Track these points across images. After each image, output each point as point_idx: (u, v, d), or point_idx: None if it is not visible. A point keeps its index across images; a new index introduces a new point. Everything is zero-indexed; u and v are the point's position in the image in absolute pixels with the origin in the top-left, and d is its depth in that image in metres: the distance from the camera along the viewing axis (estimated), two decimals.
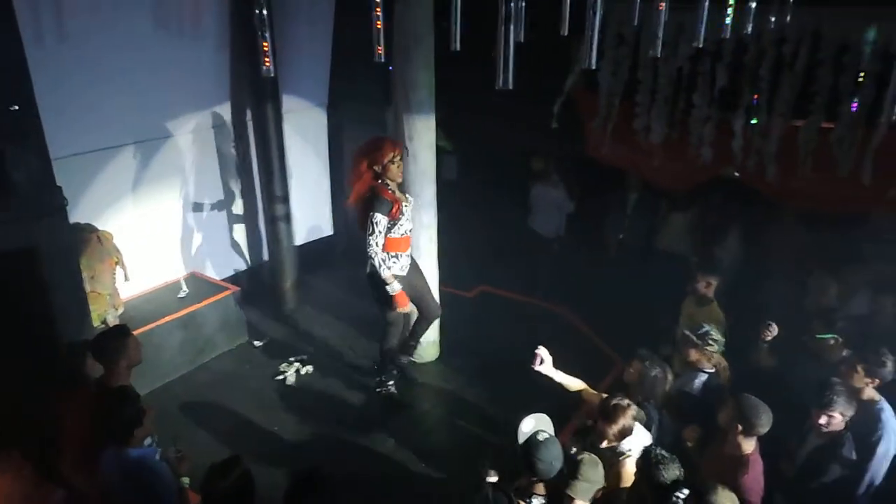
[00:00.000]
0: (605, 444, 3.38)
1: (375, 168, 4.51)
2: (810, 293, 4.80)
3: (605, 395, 3.63)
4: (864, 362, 3.69)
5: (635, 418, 3.40)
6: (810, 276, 4.90)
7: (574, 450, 3.25)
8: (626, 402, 3.40)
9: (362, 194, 4.57)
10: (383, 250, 4.59)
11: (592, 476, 3.02)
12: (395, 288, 4.61)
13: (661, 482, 2.88)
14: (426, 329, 5.22)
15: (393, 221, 4.57)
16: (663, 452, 2.99)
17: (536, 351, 3.94)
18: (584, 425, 3.76)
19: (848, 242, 5.33)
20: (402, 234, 4.68)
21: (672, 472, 2.91)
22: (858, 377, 3.67)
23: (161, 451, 3.32)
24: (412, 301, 4.81)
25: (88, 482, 3.30)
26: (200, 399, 5.27)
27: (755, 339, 4.46)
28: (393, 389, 5.25)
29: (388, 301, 4.72)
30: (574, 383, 4.00)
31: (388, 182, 4.56)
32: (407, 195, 4.81)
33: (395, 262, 4.70)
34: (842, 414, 3.43)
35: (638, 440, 3.40)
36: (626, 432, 3.35)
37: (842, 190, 4.95)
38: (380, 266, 4.55)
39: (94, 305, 4.83)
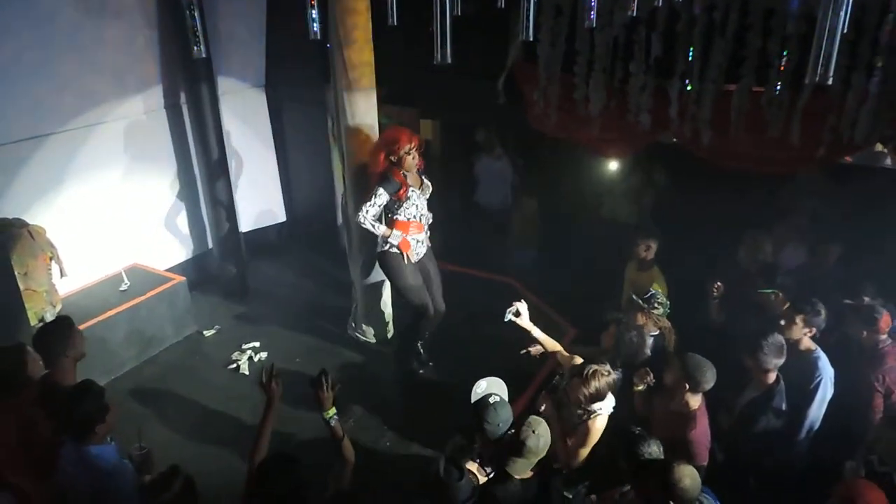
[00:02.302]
0: (575, 404, 3.43)
1: (392, 158, 4.70)
2: (745, 250, 5.00)
3: (582, 360, 3.66)
4: (802, 313, 3.88)
5: (610, 385, 3.42)
6: (744, 233, 5.09)
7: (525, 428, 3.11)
8: (606, 368, 3.44)
9: (376, 179, 4.74)
10: (390, 227, 4.83)
11: (532, 454, 3.02)
12: (396, 237, 4.79)
13: (644, 459, 2.95)
14: (432, 327, 5.25)
15: (399, 203, 4.77)
16: (641, 431, 3.08)
17: (515, 302, 3.90)
18: (554, 385, 3.77)
19: (778, 200, 5.56)
20: (409, 218, 4.84)
21: (651, 447, 2.99)
22: (797, 328, 3.86)
23: (122, 449, 3.24)
24: (421, 292, 4.97)
25: (41, 484, 3.20)
26: (151, 394, 5.15)
27: (703, 297, 4.67)
28: (417, 367, 5.35)
29: (396, 279, 4.92)
30: (549, 342, 3.95)
31: (404, 172, 4.76)
32: (425, 181, 4.95)
33: (396, 238, 4.85)
34: (769, 368, 3.63)
35: (608, 402, 3.48)
36: (597, 397, 3.39)
37: (774, 151, 5.13)
38: (372, 228, 4.75)
39: (29, 304, 4.65)
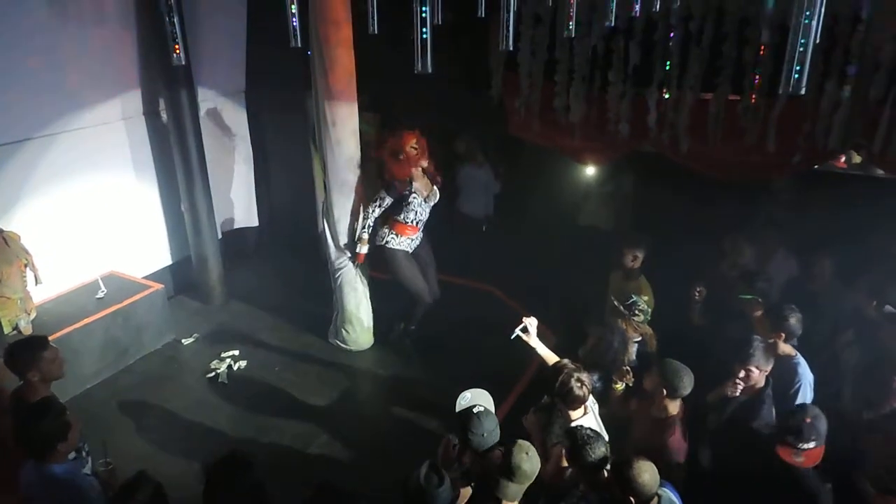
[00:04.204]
0: (567, 416, 3.39)
1: (400, 157, 5.00)
2: (727, 256, 5.05)
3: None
4: (770, 317, 3.92)
5: (581, 381, 3.36)
6: (726, 239, 5.14)
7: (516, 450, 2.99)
8: (582, 375, 3.40)
9: (382, 185, 5.15)
10: (391, 229, 5.21)
11: (526, 479, 2.92)
12: (361, 249, 5.26)
13: (590, 461, 2.95)
14: (421, 311, 5.49)
15: (401, 206, 5.12)
16: (588, 433, 3.04)
17: (524, 318, 3.85)
18: (543, 404, 3.70)
19: (758, 207, 5.64)
20: (407, 222, 5.20)
21: (598, 448, 2.97)
22: (766, 332, 3.89)
23: (89, 465, 3.17)
24: (415, 282, 5.30)
25: (7, 500, 3.13)
26: (127, 403, 5.07)
27: (686, 302, 4.70)
28: (406, 341, 5.67)
29: (395, 271, 5.27)
30: (553, 360, 3.82)
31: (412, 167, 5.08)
32: (435, 189, 5.27)
33: (393, 238, 5.23)
34: (758, 368, 3.59)
35: (588, 425, 3.43)
36: (564, 392, 3.34)
37: (750, 158, 5.22)
38: (362, 229, 5.20)
39: (3, 311, 4.58)
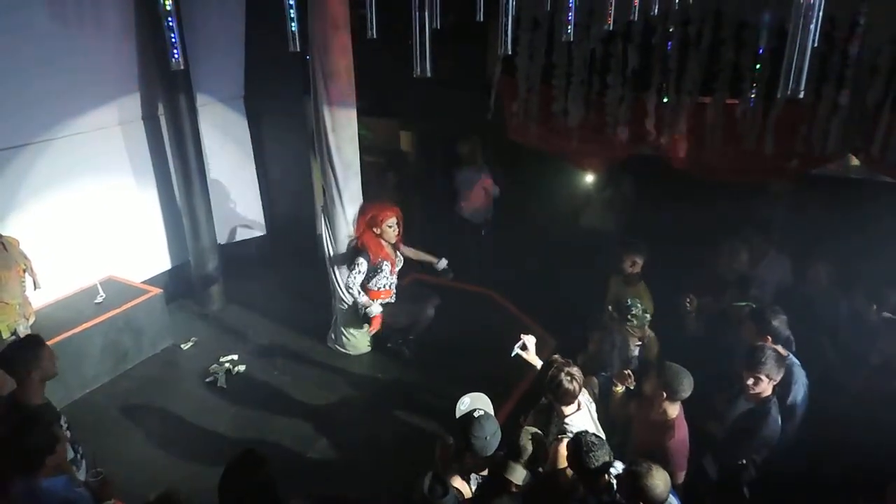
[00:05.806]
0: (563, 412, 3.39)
1: (375, 230, 5.21)
2: (722, 259, 5.03)
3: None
4: (754, 321, 3.90)
5: (571, 374, 3.34)
6: (723, 243, 5.13)
7: (523, 434, 3.11)
8: (573, 370, 3.38)
9: (354, 249, 5.28)
10: (364, 294, 5.28)
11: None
12: (373, 311, 5.24)
13: (592, 468, 2.95)
14: (420, 329, 5.56)
15: (373, 272, 5.23)
16: (593, 439, 3.04)
17: (522, 336, 3.89)
18: (541, 406, 3.70)
19: (756, 211, 5.64)
20: (379, 288, 5.33)
21: (602, 456, 2.97)
22: (752, 336, 3.87)
23: (83, 468, 3.13)
24: (409, 316, 5.47)
25: None
26: (126, 408, 5.06)
27: (682, 310, 4.67)
28: (405, 350, 5.68)
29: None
30: None
31: (384, 241, 5.28)
32: (398, 254, 5.44)
33: (373, 312, 5.31)
34: (768, 377, 3.51)
35: (582, 421, 3.43)
36: (554, 385, 3.33)
37: (748, 161, 5.22)
38: (357, 296, 5.22)
39: (2, 316, 4.57)
